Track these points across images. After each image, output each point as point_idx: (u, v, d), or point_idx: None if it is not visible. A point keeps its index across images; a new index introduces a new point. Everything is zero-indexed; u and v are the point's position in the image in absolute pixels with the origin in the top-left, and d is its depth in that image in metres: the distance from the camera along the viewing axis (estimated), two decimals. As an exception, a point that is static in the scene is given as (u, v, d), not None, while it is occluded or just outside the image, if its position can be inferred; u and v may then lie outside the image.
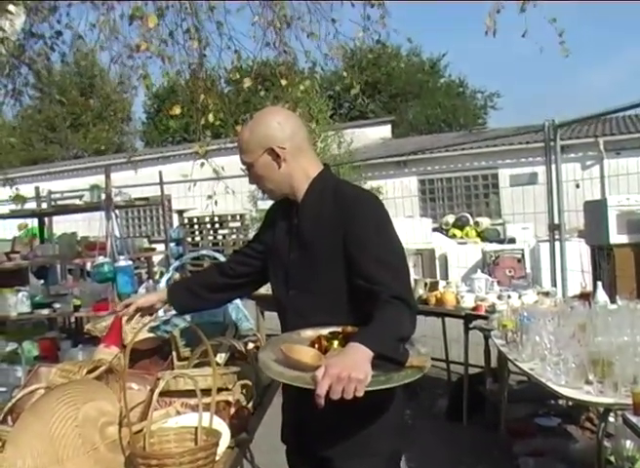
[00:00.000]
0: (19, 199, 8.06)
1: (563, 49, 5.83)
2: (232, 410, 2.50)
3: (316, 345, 2.29)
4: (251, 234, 20.79)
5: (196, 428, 2.07)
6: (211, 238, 20.08)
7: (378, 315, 2.16)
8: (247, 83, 6.80)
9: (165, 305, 3.02)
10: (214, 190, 7.64)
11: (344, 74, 7.52)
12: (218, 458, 2.12)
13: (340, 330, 2.33)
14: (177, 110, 6.59)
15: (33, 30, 7.15)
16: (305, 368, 2.10)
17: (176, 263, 4.18)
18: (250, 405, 2.63)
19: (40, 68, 7.70)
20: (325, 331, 2.35)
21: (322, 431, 2.44)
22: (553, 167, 6.46)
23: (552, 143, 6.39)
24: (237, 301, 3.48)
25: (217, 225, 20.11)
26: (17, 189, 8.06)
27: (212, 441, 2.01)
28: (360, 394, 1.95)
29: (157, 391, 2.08)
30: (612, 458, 4.07)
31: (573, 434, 5.17)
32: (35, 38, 7.25)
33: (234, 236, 20.12)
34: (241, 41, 7.70)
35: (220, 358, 3.04)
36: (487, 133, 22.84)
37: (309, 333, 2.38)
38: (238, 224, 20.11)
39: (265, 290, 9.25)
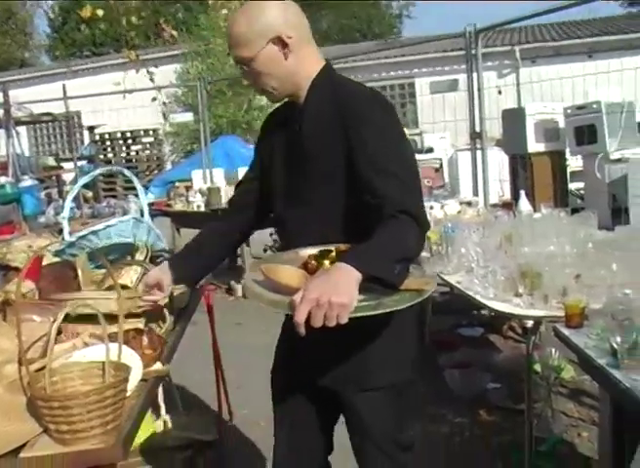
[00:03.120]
0: None
1: None
2: (144, 339, 2.31)
3: (308, 266, 2.02)
4: (165, 149, 20.33)
5: (103, 363, 1.87)
6: (124, 154, 19.53)
7: (377, 232, 1.89)
8: None
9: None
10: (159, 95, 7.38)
11: None
12: (129, 394, 1.94)
13: (332, 248, 2.07)
14: (88, 12, 5.96)
15: None
16: (287, 290, 1.84)
17: (82, 180, 3.89)
18: (163, 331, 2.45)
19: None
20: (317, 250, 2.10)
21: (320, 361, 2.22)
22: (474, 75, 6.31)
23: (474, 50, 6.22)
24: (147, 220, 3.27)
25: (129, 141, 19.55)
26: None
27: (120, 376, 1.81)
28: (344, 321, 1.70)
29: (56, 324, 1.85)
30: (537, 367, 4.08)
31: (496, 343, 5.20)
32: None
33: (148, 152, 19.63)
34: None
35: (131, 281, 2.84)
36: (402, 41, 22.61)
37: (309, 252, 2.11)
38: (151, 139, 19.58)
39: (181, 206, 9.02)
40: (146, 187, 12.28)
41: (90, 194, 13.86)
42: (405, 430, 2.31)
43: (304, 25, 2.20)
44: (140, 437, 3.45)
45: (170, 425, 3.81)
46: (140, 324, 2.38)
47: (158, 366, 2.23)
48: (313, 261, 2.02)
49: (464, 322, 5.58)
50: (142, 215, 3.38)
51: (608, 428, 2.72)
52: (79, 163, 13.44)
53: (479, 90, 6.29)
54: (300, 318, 1.69)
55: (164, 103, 8.79)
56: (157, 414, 3.89)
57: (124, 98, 9.12)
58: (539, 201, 5.46)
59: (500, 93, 13.46)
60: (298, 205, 2.24)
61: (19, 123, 7.41)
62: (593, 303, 2.66)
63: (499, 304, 3.14)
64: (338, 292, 1.70)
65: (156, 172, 18.67)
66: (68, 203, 3.53)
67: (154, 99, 8.07)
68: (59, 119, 9.51)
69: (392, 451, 2.26)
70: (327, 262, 2.00)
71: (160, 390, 3.67)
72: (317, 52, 2.25)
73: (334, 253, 2.03)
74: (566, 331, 2.60)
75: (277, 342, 2.54)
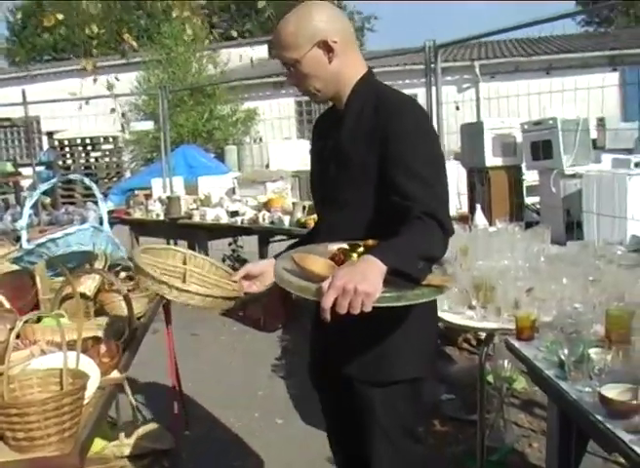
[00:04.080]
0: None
1: None
2: (102, 347, 2.33)
3: (335, 258, 2.10)
4: (125, 157, 20.21)
5: (61, 370, 1.88)
6: (83, 161, 19.35)
7: (403, 230, 1.98)
8: None
9: None
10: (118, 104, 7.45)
11: None
12: (87, 401, 1.95)
13: (361, 243, 2.14)
14: (52, 20, 5.92)
15: None
16: (316, 278, 1.92)
17: (42, 187, 3.89)
18: (121, 340, 2.46)
19: None
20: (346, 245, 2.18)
21: (344, 351, 2.30)
22: (434, 89, 6.38)
23: (433, 65, 6.30)
24: (107, 229, 3.28)
25: (89, 148, 19.37)
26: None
27: (78, 384, 1.83)
28: (367, 309, 1.79)
29: (15, 331, 1.86)
30: (490, 379, 4.14)
31: (451, 355, 5.25)
32: None
33: (107, 159, 19.46)
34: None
35: (89, 289, 2.85)
36: (363, 54, 22.74)
37: (337, 247, 2.19)
38: (111, 147, 19.42)
39: (141, 214, 8.96)
40: (106, 195, 12.20)
41: (48, 201, 13.72)
42: (415, 422, 2.41)
43: (349, 31, 2.32)
44: (97, 445, 3.44)
45: (126, 433, 3.80)
46: (98, 332, 2.40)
47: (115, 374, 2.25)
48: (341, 254, 2.10)
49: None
50: (102, 223, 3.39)
51: (555, 438, 2.79)
52: (37, 169, 13.31)
53: (438, 104, 6.36)
54: (327, 304, 1.79)
55: (122, 115, 8.78)
56: (114, 422, 3.88)
57: (80, 109, 9.10)
58: (495, 215, 5.53)
59: (457, 109, 13.64)
60: (334, 206, 2.34)
61: (-24, 128, 7.34)
62: (544, 316, 2.74)
63: (452, 316, 3.20)
64: (363, 281, 1.79)
65: (115, 179, 18.53)
66: (27, 210, 3.52)
67: (113, 110, 8.05)
68: (17, 124, 9.40)
69: (399, 440, 2.32)
70: (355, 255, 2.07)
71: (117, 398, 3.67)
72: (360, 57, 2.37)
73: (362, 248, 2.10)
74: (517, 344, 2.66)
75: (310, 337, 2.61)
